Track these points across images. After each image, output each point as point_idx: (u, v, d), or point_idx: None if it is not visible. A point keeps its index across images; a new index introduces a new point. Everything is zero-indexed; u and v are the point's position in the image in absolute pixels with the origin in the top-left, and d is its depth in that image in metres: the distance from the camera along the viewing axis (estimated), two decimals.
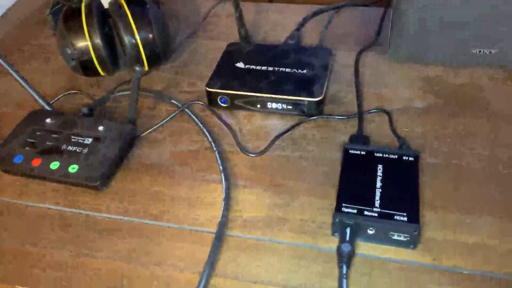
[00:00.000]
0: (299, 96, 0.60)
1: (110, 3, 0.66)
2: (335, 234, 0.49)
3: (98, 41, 0.63)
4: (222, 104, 0.64)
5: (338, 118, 0.62)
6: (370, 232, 0.48)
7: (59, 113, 0.62)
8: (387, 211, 0.48)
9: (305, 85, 0.62)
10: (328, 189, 0.54)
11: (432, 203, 0.52)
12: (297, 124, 0.61)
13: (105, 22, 0.65)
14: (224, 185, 0.55)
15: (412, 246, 0.48)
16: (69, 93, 0.69)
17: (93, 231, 0.53)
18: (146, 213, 0.54)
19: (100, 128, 0.59)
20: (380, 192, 0.50)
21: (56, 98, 0.68)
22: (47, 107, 0.63)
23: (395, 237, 0.47)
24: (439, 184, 0.53)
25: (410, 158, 0.53)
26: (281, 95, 0.61)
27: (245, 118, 0.63)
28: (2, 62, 0.60)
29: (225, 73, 0.65)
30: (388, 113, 0.61)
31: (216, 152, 0.58)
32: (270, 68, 0.65)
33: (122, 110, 0.66)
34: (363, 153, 0.54)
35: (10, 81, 0.66)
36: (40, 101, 0.62)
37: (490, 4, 0.60)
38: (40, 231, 0.53)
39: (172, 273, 0.48)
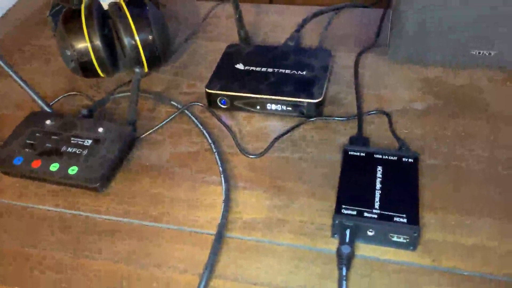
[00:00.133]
0: (299, 98, 0.60)
1: (109, 5, 0.66)
2: (335, 235, 0.49)
3: (97, 42, 0.63)
4: (222, 106, 0.64)
5: (337, 120, 0.62)
6: (369, 233, 0.48)
7: (59, 114, 0.62)
8: (386, 213, 0.48)
9: (304, 87, 0.62)
10: (327, 191, 0.54)
11: (431, 205, 0.52)
12: (297, 126, 0.61)
13: (105, 23, 0.65)
14: (223, 187, 0.55)
15: (411, 247, 0.48)
16: (69, 95, 0.69)
17: (92, 232, 0.53)
18: (145, 215, 0.54)
19: (100, 129, 0.59)
20: (379, 194, 0.50)
21: (56, 100, 0.68)
22: (46, 109, 0.63)
23: (395, 239, 0.47)
24: (438, 186, 0.53)
25: (410, 160, 0.53)
26: (280, 96, 0.61)
27: (245, 120, 0.63)
28: (2, 64, 0.60)
29: (224, 74, 0.65)
30: (387, 115, 0.61)
31: (216, 153, 0.58)
32: (270, 70, 0.65)
33: (122, 112, 0.66)
34: (362, 154, 0.54)
35: (9, 83, 0.66)
36: (40, 102, 0.62)
37: (489, 5, 0.60)
38: (40, 232, 0.53)
39: (172, 275, 0.48)
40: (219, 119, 0.63)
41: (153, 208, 0.54)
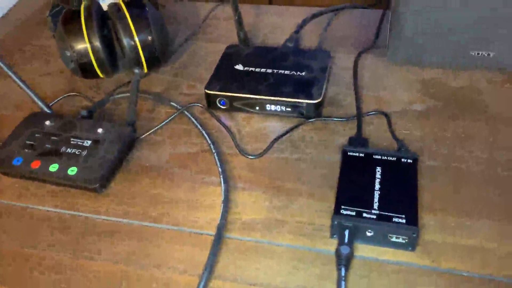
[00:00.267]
0: (298, 98, 0.60)
1: (109, 6, 0.66)
2: (334, 236, 0.49)
3: (97, 43, 0.63)
4: (221, 106, 0.64)
5: (336, 120, 0.62)
6: (368, 234, 0.48)
7: (59, 115, 0.63)
8: (385, 213, 0.48)
9: (304, 88, 0.62)
10: (326, 191, 0.54)
11: (431, 206, 0.52)
12: (296, 126, 0.61)
13: (104, 24, 0.65)
14: (223, 187, 0.55)
15: (410, 248, 0.48)
16: (69, 95, 0.69)
17: (92, 233, 0.53)
18: (145, 215, 0.54)
19: (99, 130, 0.59)
20: (378, 195, 0.50)
21: (56, 100, 0.68)
22: (46, 109, 0.63)
23: (394, 239, 0.48)
24: (438, 187, 0.53)
25: (409, 161, 0.53)
26: (280, 97, 0.61)
27: (244, 120, 0.63)
28: (1, 65, 0.60)
29: (224, 75, 0.65)
30: (386, 116, 0.61)
31: (215, 154, 0.58)
32: (269, 71, 0.65)
33: (121, 112, 0.66)
34: (361, 155, 0.54)
35: (9, 83, 0.66)
36: (40, 103, 0.62)
37: (489, 7, 0.60)
38: (39, 233, 0.53)
39: (171, 276, 0.48)
40: (219, 120, 0.63)
41: (152, 209, 0.54)
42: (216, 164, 0.57)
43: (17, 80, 0.61)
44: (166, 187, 0.56)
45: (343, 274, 0.45)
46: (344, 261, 0.46)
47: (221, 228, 0.51)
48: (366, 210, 0.48)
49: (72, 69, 0.65)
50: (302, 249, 0.49)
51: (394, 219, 0.47)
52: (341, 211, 0.49)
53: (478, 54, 0.64)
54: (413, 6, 0.61)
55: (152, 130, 0.63)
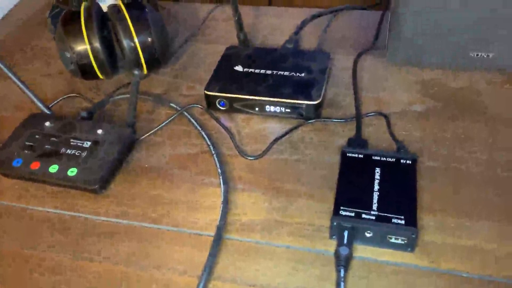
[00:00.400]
0: (297, 100, 0.61)
1: (109, 7, 0.66)
2: (333, 237, 0.49)
3: (97, 44, 0.63)
4: (221, 108, 0.64)
5: (336, 122, 0.62)
6: (367, 235, 0.48)
7: (58, 116, 0.63)
8: (384, 214, 0.48)
9: (303, 89, 0.62)
10: (326, 193, 0.54)
11: (430, 207, 0.52)
12: (295, 128, 0.61)
13: (104, 26, 0.65)
14: (222, 189, 0.55)
15: (409, 249, 0.48)
16: (68, 97, 0.69)
17: (92, 234, 0.53)
18: (145, 217, 0.54)
19: (99, 131, 0.59)
20: (378, 195, 0.50)
21: (55, 102, 0.68)
22: (46, 111, 0.63)
23: (393, 240, 0.48)
24: (437, 188, 0.53)
25: (408, 162, 0.53)
26: (279, 98, 0.61)
27: (244, 121, 0.63)
28: (1, 66, 0.60)
29: (223, 76, 0.65)
30: (386, 117, 0.61)
31: (215, 155, 0.58)
32: (269, 72, 0.65)
33: (121, 114, 0.66)
34: (361, 156, 0.54)
35: (9, 84, 0.66)
36: (39, 104, 0.62)
37: (489, 8, 0.60)
38: (39, 234, 0.53)
39: (171, 277, 0.48)
40: (218, 121, 0.63)
41: (152, 210, 0.54)
42: (216, 165, 0.57)
43: (16, 81, 0.61)
44: (166, 188, 0.56)
45: (342, 275, 0.45)
46: (343, 262, 0.46)
47: (221, 229, 0.51)
48: (365, 211, 0.48)
49: (72, 70, 0.65)
50: (301, 250, 0.49)
51: (393, 220, 0.47)
52: (340, 212, 0.49)
53: (477, 55, 0.64)
54: (412, 7, 0.61)
55: (152, 131, 0.63)
